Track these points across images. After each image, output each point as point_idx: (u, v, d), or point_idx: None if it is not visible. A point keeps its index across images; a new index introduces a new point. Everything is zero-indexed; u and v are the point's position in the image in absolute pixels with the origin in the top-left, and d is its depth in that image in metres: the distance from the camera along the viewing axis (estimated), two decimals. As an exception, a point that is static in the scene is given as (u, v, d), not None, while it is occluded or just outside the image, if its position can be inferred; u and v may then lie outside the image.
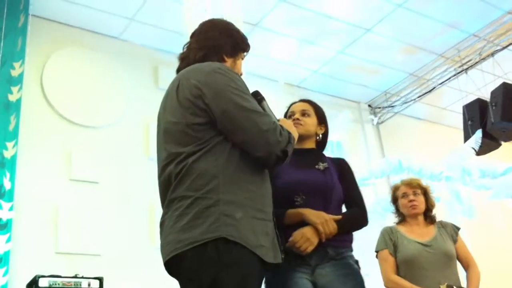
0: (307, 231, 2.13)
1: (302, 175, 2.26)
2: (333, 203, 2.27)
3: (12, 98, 4.48)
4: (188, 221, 1.66)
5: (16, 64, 4.60)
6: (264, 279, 2.17)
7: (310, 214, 2.15)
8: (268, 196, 1.83)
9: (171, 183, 1.76)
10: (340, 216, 2.20)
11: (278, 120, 1.97)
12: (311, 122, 2.42)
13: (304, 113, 2.43)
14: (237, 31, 2.06)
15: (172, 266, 1.73)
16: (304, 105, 2.48)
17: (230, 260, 1.62)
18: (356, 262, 2.25)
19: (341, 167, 2.39)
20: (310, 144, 2.42)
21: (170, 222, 1.73)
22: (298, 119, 2.39)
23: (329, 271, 2.15)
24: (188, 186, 1.70)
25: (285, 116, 2.49)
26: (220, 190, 1.68)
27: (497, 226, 7.06)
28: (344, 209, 2.37)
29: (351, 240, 2.30)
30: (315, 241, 2.12)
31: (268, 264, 1.73)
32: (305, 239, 2.11)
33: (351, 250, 2.28)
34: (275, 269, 1.89)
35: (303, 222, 2.16)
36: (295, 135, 1.92)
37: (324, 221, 2.13)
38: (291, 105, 2.52)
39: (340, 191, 2.31)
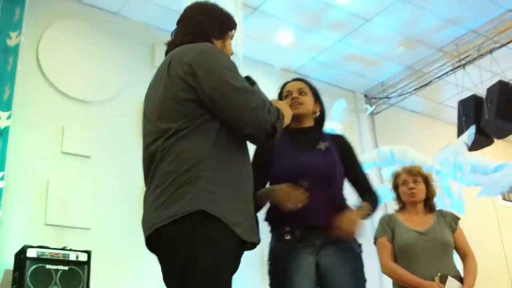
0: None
1: (305, 159, 2.28)
2: (337, 185, 2.32)
3: (7, 68, 4.45)
4: (168, 197, 1.68)
5: (13, 34, 4.56)
6: (269, 258, 2.23)
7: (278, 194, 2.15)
8: (249, 178, 1.86)
9: (155, 158, 1.76)
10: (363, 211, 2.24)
11: (271, 103, 1.99)
12: (308, 100, 2.45)
13: (301, 92, 2.45)
14: (222, 11, 2.06)
15: (152, 242, 1.74)
16: (299, 83, 2.50)
17: (206, 237, 1.63)
18: (359, 245, 2.29)
19: (342, 145, 2.43)
20: (309, 123, 2.45)
21: (151, 198, 1.74)
22: (297, 97, 2.40)
23: (332, 253, 2.21)
24: (171, 163, 1.72)
25: (280, 96, 2.50)
26: (202, 168, 1.69)
27: (487, 223, 7.12)
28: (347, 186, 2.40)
29: None
30: (301, 197, 2.07)
31: (245, 243, 1.74)
32: (287, 193, 2.10)
33: None
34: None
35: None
36: (288, 113, 1.94)
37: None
38: (284, 85, 2.54)
39: (342, 171, 2.35)
